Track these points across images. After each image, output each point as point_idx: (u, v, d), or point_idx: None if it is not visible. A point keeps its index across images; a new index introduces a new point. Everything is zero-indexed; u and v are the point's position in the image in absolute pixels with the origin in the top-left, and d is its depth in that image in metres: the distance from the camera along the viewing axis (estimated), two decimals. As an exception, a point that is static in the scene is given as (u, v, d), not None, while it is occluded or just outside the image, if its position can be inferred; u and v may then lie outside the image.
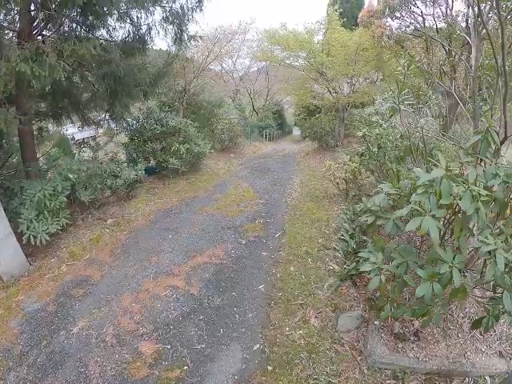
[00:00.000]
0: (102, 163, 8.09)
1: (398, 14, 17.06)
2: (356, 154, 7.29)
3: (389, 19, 17.36)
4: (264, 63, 25.82)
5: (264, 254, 5.92)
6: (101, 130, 10.79)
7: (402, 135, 5.73)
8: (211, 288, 4.95)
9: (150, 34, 7.43)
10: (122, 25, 7.16)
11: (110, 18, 6.50)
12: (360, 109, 19.75)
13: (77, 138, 13.21)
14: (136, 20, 7.21)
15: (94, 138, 13.45)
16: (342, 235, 6.10)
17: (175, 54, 8.49)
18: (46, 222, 5.83)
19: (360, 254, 3.38)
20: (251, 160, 15.88)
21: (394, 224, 3.17)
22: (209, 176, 11.72)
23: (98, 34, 6.73)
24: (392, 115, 4.29)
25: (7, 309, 4.64)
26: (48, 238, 5.82)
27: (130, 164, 9.78)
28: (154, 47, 8.41)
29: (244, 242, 6.33)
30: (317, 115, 18.13)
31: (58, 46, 4.59)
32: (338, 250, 5.84)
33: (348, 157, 8.91)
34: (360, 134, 5.97)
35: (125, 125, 9.61)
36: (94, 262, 5.92)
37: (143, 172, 8.62)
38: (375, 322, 4.06)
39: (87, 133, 12.45)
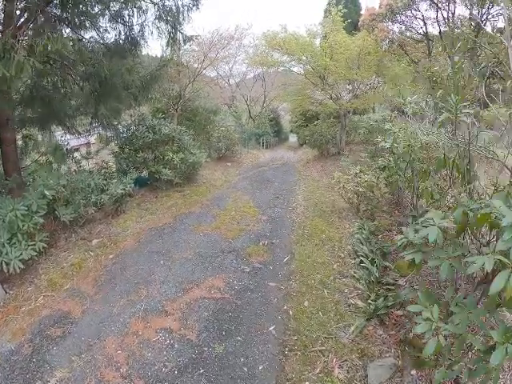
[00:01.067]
0: (91, 173, 7.39)
1: (399, 18, 16.82)
2: (377, 168, 6.63)
3: (389, 23, 17.16)
4: (260, 70, 26.02)
5: (272, 284, 5.23)
6: (94, 137, 10.20)
7: (422, 145, 5.13)
8: (212, 331, 4.24)
9: (142, 34, 6.92)
10: (114, 25, 6.60)
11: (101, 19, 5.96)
12: (359, 115, 19.47)
13: (72, 145, 12.58)
14: (127, 19, 6.61)
15: (88, 144, 12.79)
16: (362, 261, 5.46)
17: (170, 56, 7.90)
18: (20, 247, 5.12)
19: (409, 308, 2.69)
20: (250, 169, 15.25)
21: (450, 266, 2.55)
22: (205, 188, 11.04)
23: (87, 34, 6.22)
24: (441, 125, 3.65)
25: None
26: (22, 266, 5.13)
27: (120, 175, 9.11)
28: (150, 53, 7.95)
29: (248, 269, 5.63)
30: (315, 122, 17.83)
31: (30, 41, 3.90)
32: (358, 279, 5.17)
33: (358, 168, 8.34)
34: (386, 145, 5.33)
35: (111, 133, 8.88)
36: (74, 294, 5.23)
37: (132, 185, 7.89)
38: (412, 373, 3.42)
39: (83, 139, 11.69)
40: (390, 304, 4.36)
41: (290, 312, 4.60)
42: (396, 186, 5.79)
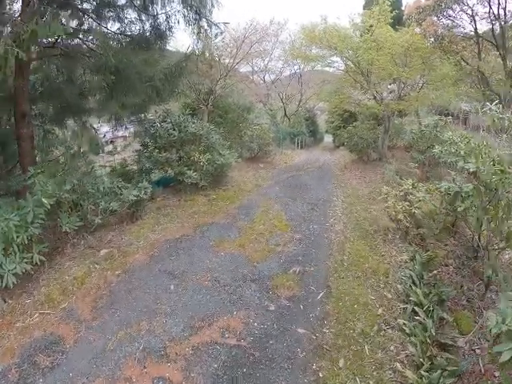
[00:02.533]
0: (104, 174, 6.92)
1: (445, 13, 15.08)
2: (446, 194, 5.54)
3: (435, 18, 15.52)
4: (297, 67, 26.14)
5: (301, 331, 4.38)
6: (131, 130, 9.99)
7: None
8: (219, 393, 3.47)
9: (168, 24, 6.56)
10: (138, 16, 6.15)
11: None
12: (400, 118, 18.10)
13: (109, 137, 12.74)
14: (151, 8, 6.08)
15: (124, 137, 12.73)
16: (414, 310, 4.47)
17: (199, 48, 7.34)
18: (15, 259, 4.75)
19: None
20: (283, 172, 14.35)
21: None
22: (233, 193, 10.31)
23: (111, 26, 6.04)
24: None
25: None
26: (15, 281, 4.77)
27: (142, 175, 8.67)
28: (181, 50, 7.46)
29: (273, 307, 4.81)
30: (353, 123, 16.80)
31: (19, 28, 3.34)
32: (409, 335, 4.20)
33: (410, 182, 7.26)
34: (470, 167, 4.24)
35: (141, 128, 8.47)
36: (70, 316, 4.76)
37: (149, 190, 7.33)
38: None
39: (120, 132, 12.10)
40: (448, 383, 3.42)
41: (320, 374, 3.75)
42: (479, 224, 4.65)
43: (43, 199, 4.68)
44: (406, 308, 4.69)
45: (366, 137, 14.52)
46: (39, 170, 5.02)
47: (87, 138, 8.70)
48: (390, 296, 5.09)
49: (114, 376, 3.74)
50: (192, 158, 8.94)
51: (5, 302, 5.03)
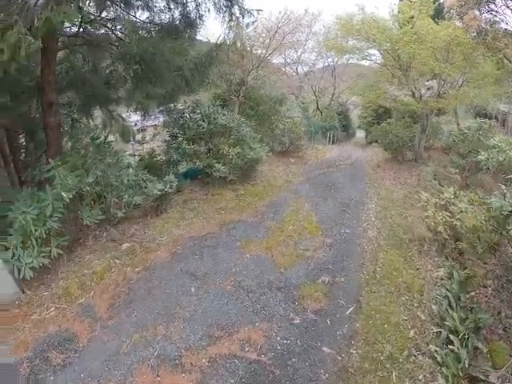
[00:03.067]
0: (129, 166, 6.79)
1: (487, 7, 13.69)
2: (501, 215, 4.93)
3: (478, 12, 14.20)
4: (331, 60, 25.26)
5: (326, 350, 4.01)
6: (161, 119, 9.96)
7: None
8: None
9: (198, 12, 6.36)
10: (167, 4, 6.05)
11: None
12: (436, 117, 17.05)
13: (140, 126, 13.27)
14: None
15: (155, 126, 12.86)
16: (448, 338, 3.98)
17: (231, 37, 7.07)
18: (32, 253, 4.69)
19: None
20: (314, 168, 13.81)
21: None
22: (262, 188, 9.97)
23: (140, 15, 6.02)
24: None
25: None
26: (32, 275, 4.73)
27: (170, 166, 8.54)
28: (212, 40, 7.23)
29: (298, 320, 4.46)
30: (388, 120, 16.17)
31: (33, 15, 3.17)
32: (440, 364, 3.74)
33: (451, 190, 6.65)
34: None
35: (170, 118, 8.35)
36: (86, 313, 4.67)
37: (175, 184, 7.15)
38: None
39: (149, 122, 12.35)
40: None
41: (344, 401, 3.36)
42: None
43: (62, 193, 4.57)
44: (440, 333, 4.21)
45: (401, 135, 13.74)
46: (59, 162, 4.89)
47: (117, 127, 8.70)
48: (423, 317, 4.59)
49: (126, 382, 3.60)
50: (221, 150, 8.68)
51: (23, 292, 5.04)
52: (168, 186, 6.74)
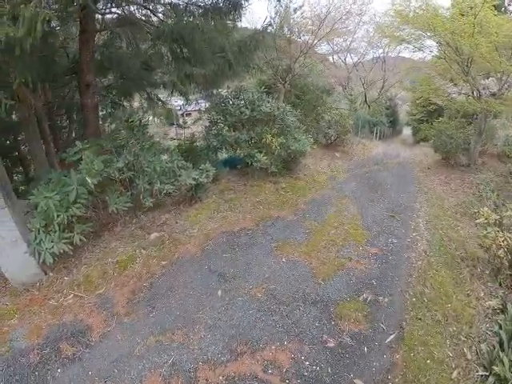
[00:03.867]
0: (166, 150, 6.53)
1: None
2: None
3: None
4: (381, 51, 24.22)
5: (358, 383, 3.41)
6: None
7: None
8: None
9: None
10: None
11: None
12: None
13: (184, 110, 13.10)
14: None
15: (199, 111, 12.86)
16: None
17: (278, 23, 6.60)
18: (53, 238, 4.57)
19: None
20: (360, 165, 12.86)
21: None
22: (305, 183, 9.36)
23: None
24: None
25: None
26: (51, 261, 4.64)
27: (209, 153, 8.24)
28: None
29: (332, 343, 3.89)
30: (439, 119, 14.72)
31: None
32: None
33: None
34: None
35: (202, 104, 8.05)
36: (104, 305, 4.50)
37: (211, 173, 6.85)
38: None
39: (194, 107, 11.96)
40: None
41: None
42: None
43: (87, 178, 4.33)
44: (487, 379, 3.48)
45: (455, 137, 12.36)
46: (88, 145, 4.64)
47: (161, 110, 8.57)
48: (469, 356, 3.83)
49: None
50: (264, 140, 8.16)
51: (45, 273, 5.02)
52: (204, 175, 6.37)
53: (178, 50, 5.25)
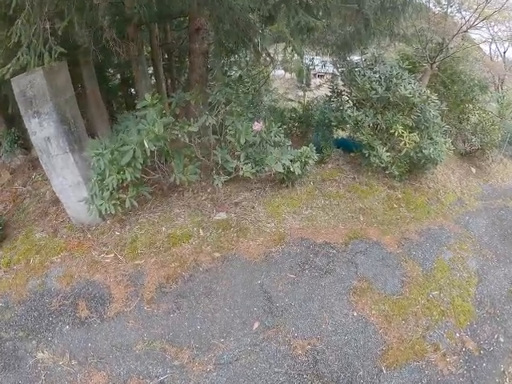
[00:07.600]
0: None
1: None
2: None
3: None
4: None
5: None
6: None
7: None
8: None
9: None
10: None
11: None
12: None
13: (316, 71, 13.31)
14: None
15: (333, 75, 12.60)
16: None
17: None
18: (104, 196, 4.59)
19: None
20: (497, 194, 9.63)
21: None
22: (426, 199, 7.52)
23: None
24: None
25: (41, 264, 4.67)
26: (98, 220, 5.07)
27: (319, 128, 7.74)
28: None
29: None
30: None
31: None
32: None
33: None
34: None
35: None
36: (134, 280, 4.47)
37: (310, 161, 5.94)
38: None
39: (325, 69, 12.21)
40: None
41: None
42: None
43: (145, 141, 3.90)
44: None
45: None
46: (156, 101, 4.15)
47: (295, 64, 8.05)
48: None
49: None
50: (393, 131, 6.70)
51: (103, 219, 5.19)
52: (298, 164, 5.42)
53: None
